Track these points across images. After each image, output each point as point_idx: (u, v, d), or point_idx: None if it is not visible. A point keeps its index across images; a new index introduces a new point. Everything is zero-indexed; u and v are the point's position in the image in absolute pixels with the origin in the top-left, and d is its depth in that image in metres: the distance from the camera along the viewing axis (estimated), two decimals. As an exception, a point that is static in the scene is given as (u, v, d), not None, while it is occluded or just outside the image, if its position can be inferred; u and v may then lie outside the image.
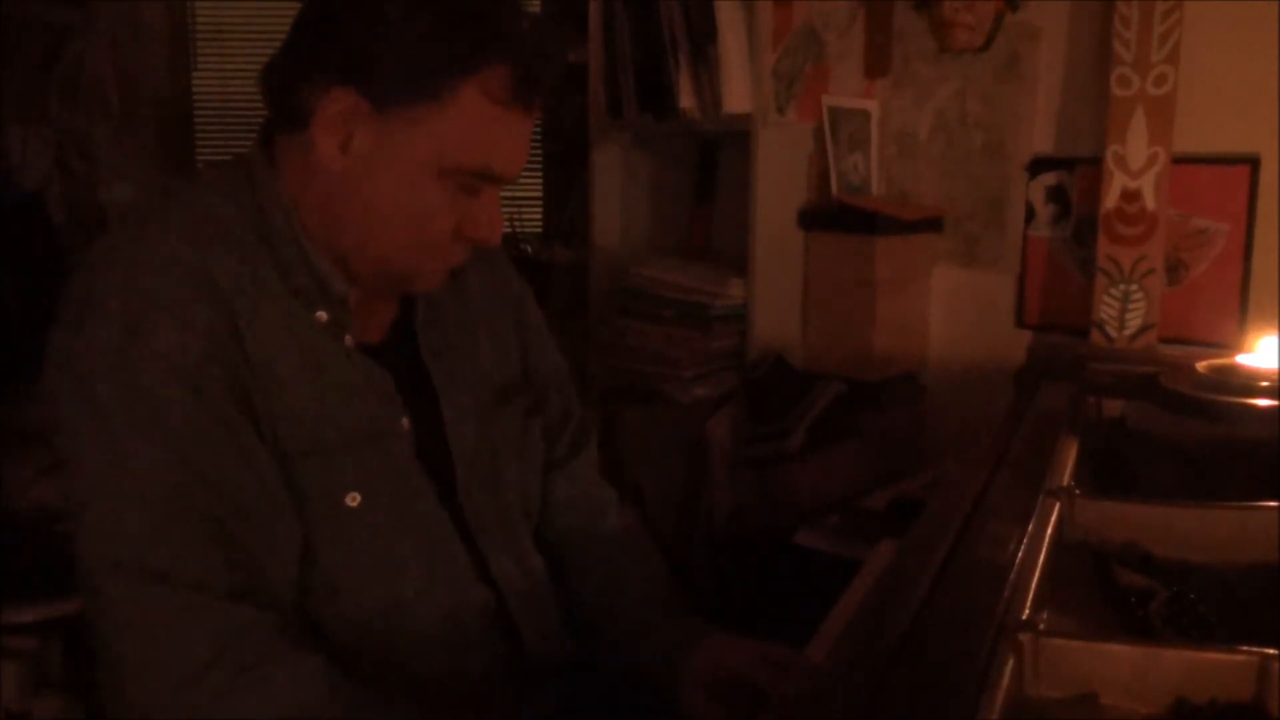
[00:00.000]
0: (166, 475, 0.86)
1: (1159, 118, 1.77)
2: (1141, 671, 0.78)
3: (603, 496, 1.25)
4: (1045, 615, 0.89)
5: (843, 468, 1.94)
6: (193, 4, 3.14)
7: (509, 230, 2.39)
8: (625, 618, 1.15)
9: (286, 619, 0.91)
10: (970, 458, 1.27)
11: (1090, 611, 0.93)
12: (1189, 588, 0.91)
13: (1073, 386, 1.54)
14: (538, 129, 2.14)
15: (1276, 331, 1.34)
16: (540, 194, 2.87)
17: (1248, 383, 1.29)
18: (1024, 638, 0.79)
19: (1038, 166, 1.98)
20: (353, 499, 0.95)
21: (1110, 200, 1.81)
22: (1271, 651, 0.75)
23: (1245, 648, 0.77)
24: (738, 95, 1.99)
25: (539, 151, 2.75)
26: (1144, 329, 1.81)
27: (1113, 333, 1.83)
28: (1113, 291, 1.82)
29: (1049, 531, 1.00)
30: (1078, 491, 1.09)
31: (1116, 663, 0.79)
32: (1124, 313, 1.82)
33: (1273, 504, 1.03)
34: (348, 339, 0.98)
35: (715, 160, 2.34)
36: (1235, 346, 1.65)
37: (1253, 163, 1.77)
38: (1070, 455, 1.23)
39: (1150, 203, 1.79)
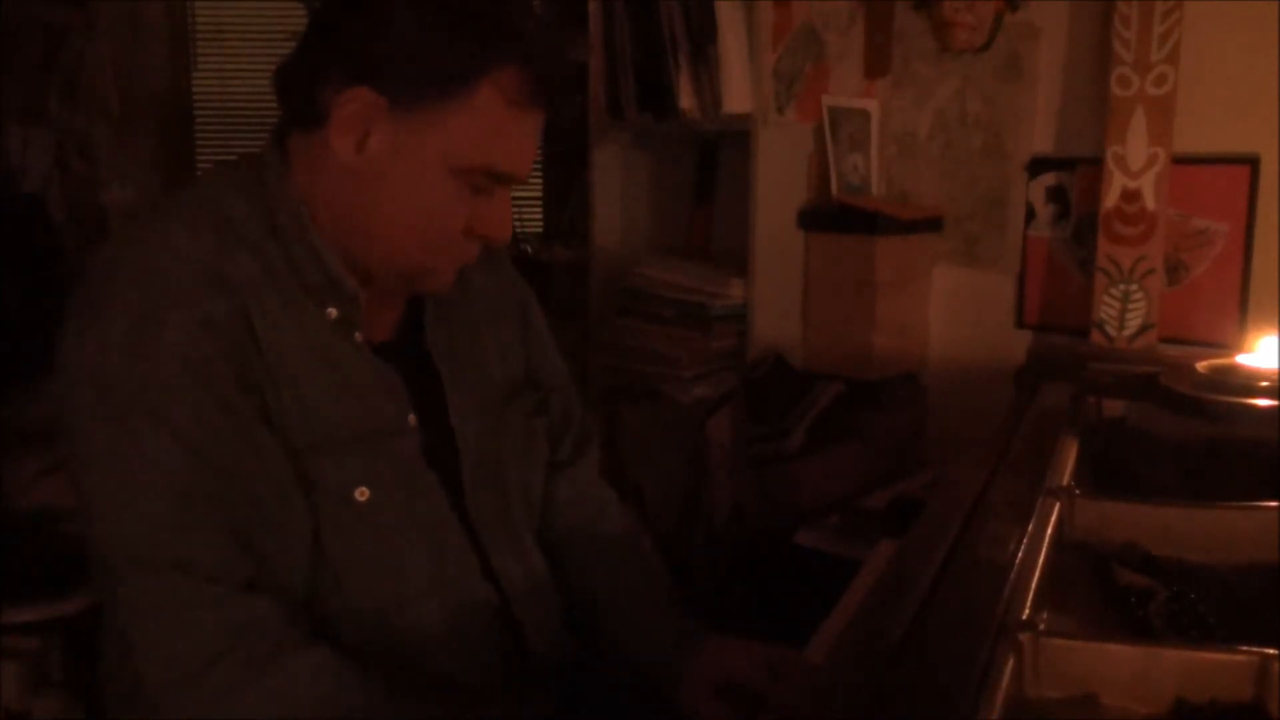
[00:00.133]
0: (179, 467, 0.87)
1: (1159, 118, 1.77)
2: (1141, 671, 0.78)
3: (603, 498, 1.25)
4: (1045, 615, 0.89)
5: (843, 468, 1.94)
6: (193, 4, 3.14)
7: (509, 230, 2.38)
8: (625, 618, 1.16)
9: (297, 611, 0.92)
10: (970, 458, 1.27)
11: (1090, 611, 0.93)
12: (1189, 588, 0.91)
13: (1073, 386, 1.54)
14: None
15: (1276, 331, 1.34)
16: (540, 194, 2.87)
17: (1248, 383, 1.29)
18: (1024, 638, 0.79)
19: (1038, 166, 1.98)
20: (361, 494, 0.96)
21: (1110, 200, 1.82)
22: (1271, 651, 0.75)
23: (1245, 648, 0.77)
24: (738, 95, 1.99)
25: (539, 151, 2.74)
26: (1144, 329, 1.81)
27: (1113, 333, 1.83)
28: (1113, 291, 1.82)
29: (1049, 531, 1.00)
30: (1078, 491, 1.09)
31: (1116, 663, 0.79)
32: (1124, 313, 1.82)
33: (1273, 504, 1.03)
34: (357, 336, 0.99)
35: (715, 160, 2.34)
36: (1235, 346, 1.66)
37: (1253, 163, 1.77)
38: (1070, 455, 1.23)
39: (1150, 203, 1.79)
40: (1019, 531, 0.98)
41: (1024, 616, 0.84)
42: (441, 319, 1.08)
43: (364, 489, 0.96)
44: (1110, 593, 0.95)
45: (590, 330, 2.31)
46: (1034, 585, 0.90)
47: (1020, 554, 0.93)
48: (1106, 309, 1.83)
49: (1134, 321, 1.81)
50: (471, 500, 1.06)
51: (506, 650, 1.06)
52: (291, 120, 0.99)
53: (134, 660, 0.87)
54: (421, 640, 0.99)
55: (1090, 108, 1.89)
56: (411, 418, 1.01)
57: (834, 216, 2.03)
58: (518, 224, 2.70)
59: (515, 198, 1.05)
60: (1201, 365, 1.36)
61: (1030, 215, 2.00)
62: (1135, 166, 1.79)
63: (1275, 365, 1.31)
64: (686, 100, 2.03)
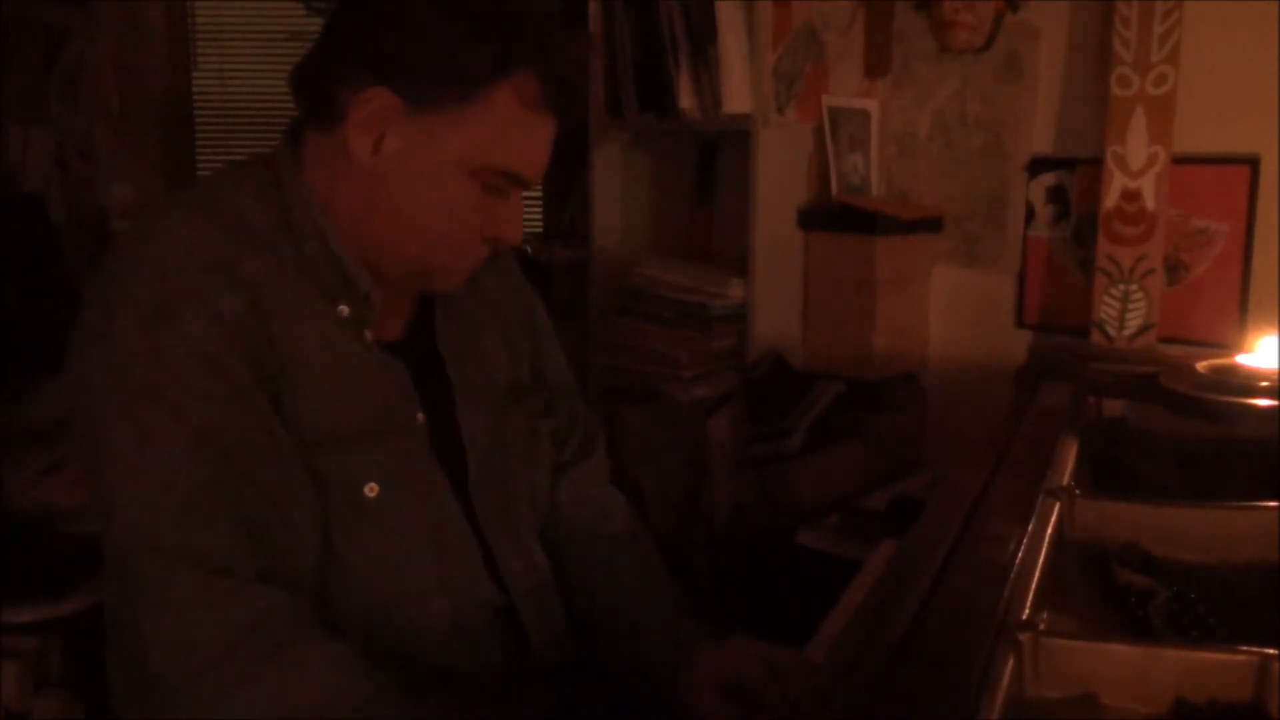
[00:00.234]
0: (195, 459, 0.88)
1: (1159, 118, 1.77)
2: (1141, 671, 0.78)
3: (607, 499, 1.26)
4: (1045, 615, 0.89)
5: (843, 468, 1.94)
6: (193, 4, 3.14)
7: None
8: (627, 618, 1.16)
9: (308, 604, 0.93)
10: (970, 458, 1.27)
11: (1090, 611, 0.93)
12: (1189, 588, 0.91)
13: (1073, 386, 1.54)
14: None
15: (1276, 331, 1.34)
16: (540, 194, 2.87)
17: (1248, 383, 1.29)
18: (1024, 638, 0.79)
19: (1038, 166, 1.98)
20: (370, 489, 0.96)
21: (1110, 200, 1.82)
22: (1271, 651, 0.75)
23: (1245, 648, 0.77)
24: (738, 95, 1.99)
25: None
26: (1144, 329, 1.81)
27: (1113, 333, 1.83)
28: (1113, 291, 1.82)
29: (1049, 531, 1.00)
30: (1078, 491, 1.09)
31: (1116, 663, 0.79)
32: (1124, 313, 1.82)
33: (1273, 504, 1.03)
34: (367, 334, 0.99)
35: (715, 160, 2.34)
36: (1235, 346, 1.66)
37: (1253, 163, 1.77)
38: (1070, 455, 1.23)
39: (1150, 203, 1.79)
40: (1019, 531, 0.98)
41: (1024, 616, 0.84)
42: (450, 319, 1.09)
43: (373, 485, 0.96)
44: (1110, 593, 0.95)
45: (590, 330, 2.30)
46: (1034, 585, 0.90)
47: (1020, 554, 0.93)
48: (1106, 309, 1.83)
49: (1134, 321, 1.81)
50: (477, 500, 1.07)
51: (509, 649, 1.07)
52: (307, 119, 1.00)
53: (147, 652, 0.87)
54: (425, 637, 1.00)
55: (1090, 108, 1.89)
56: (420, 416, 1.02)
57: (834, 216, 2.03)
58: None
59: (515, 198, 1.05)
60: (1201, 365, 1.36)
61: (1030, 215, 2.00)
62: (1135, 166, 1.79)
63: (1275, 365, 1.31)
64: (686, 100, 2.03)
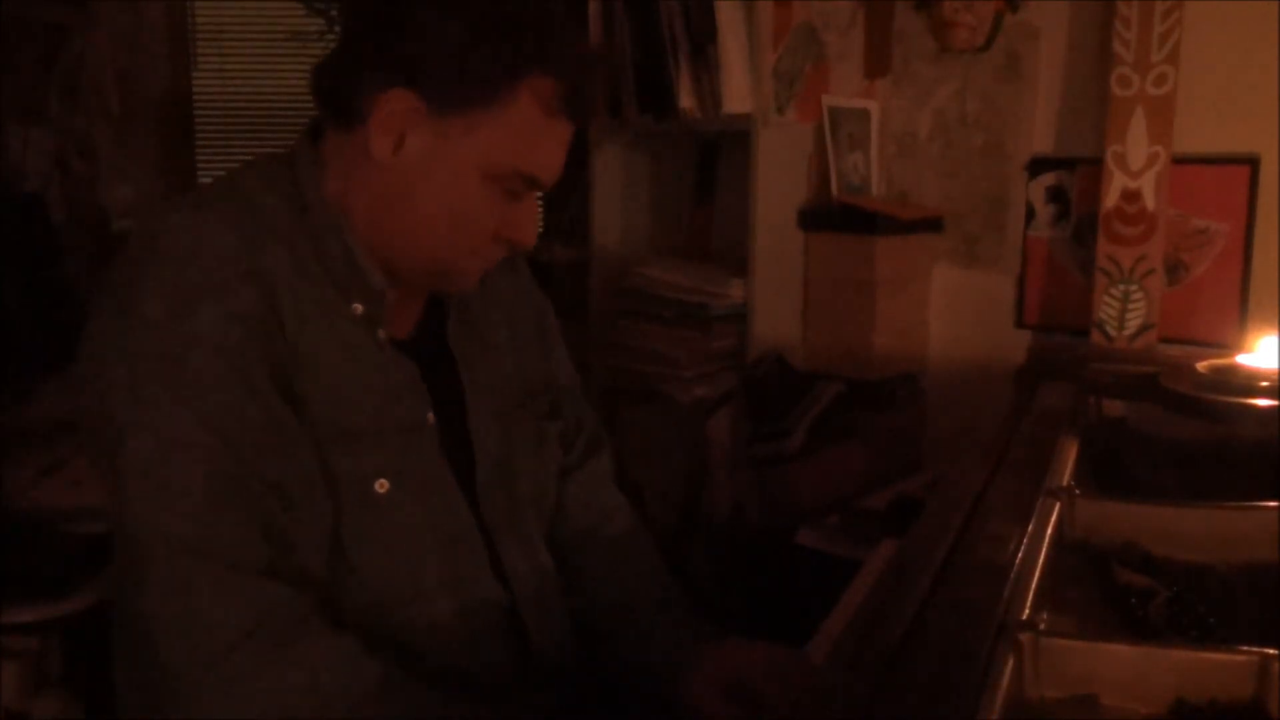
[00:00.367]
0: (207, 451, 0.88)
1: (1159, 118, 1.77)
2: (1141, 671, 0.78)
3: (611, 502, 1.26)
4: (1045, 615, 0.89)
5: (843, 468, 1.94)
6: (193, 4, 3.14)
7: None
8: (629, 619, 1.17)
9: (316, 599, 0.93)
10: (970, 458, 1.27)
11: (1090, 611, 0.93)
12: (1189, 588, 0.91)
13: (1073, 386, 1.54)
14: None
15: (1276, 331, 1.34)
16: (541, 194, 2.86)
17: (1248, 383, 1.29)
18: (1024, 638, 0.79)
19: (1038, 166, 1.98)
20: (381, 485, 0.97)
21: (1110, 200, 1.81)
22: (1271, 651, 0.76)
23: (1245, 648, 0.77)
24: (738, 95, 1.99)
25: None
26: (1144, 329, 1.81)
27: (1113, 333, 1.83)
28: (1113, 291, 1.82)
29: (1049, 531, 1.00)
30: (1078, 491, 1.09)
31: (1116, 663, 0.79)
32: (1124, 313, 1.82)
33: (1273, 504, 1.03)
34: (380, 333, 1.00)
35: (715, 160, 2.34)
36: (1235, 346, 1.66)
37: (1253, 163, 1.77)
38: (1070, 455, 1.24)
39: (1150, 203, 1.79)
40: (1019, 531, 0.98)
41: (1024, 616, 0.84)
42: (462, 320, 1.11)
43: (383, 481, 0.97)
44: (1110, 593, 0.95)
45: (590, 330, 2.30)
46: (1034, 585, 0.90)
47: (1020, 554, 0.93)
48: (1106, 309, 1.83)
49: (1134, 321, 1.81)
50: (484, 500, 1.07)
51: (512, 650, 1.07)
52: (328, 119, 1.01)
53: (154, 639, 0.87)
54: (429, 635, 1.00)
55: (1090, 108, 1.89)
56: (430, 415, 1.03)
57: (834, 216, 2.03)
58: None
59: (515, 198, 1.06)
60: (1201, 365, 1.36)
61: (1030, 215, 2.00)
62: (1135, 166, 1.79)
63: (1275, 365, 1.31)
64: (686, 100, 2.03)
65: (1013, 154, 2.00)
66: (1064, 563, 1.01)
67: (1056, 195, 1.97)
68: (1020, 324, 2.03)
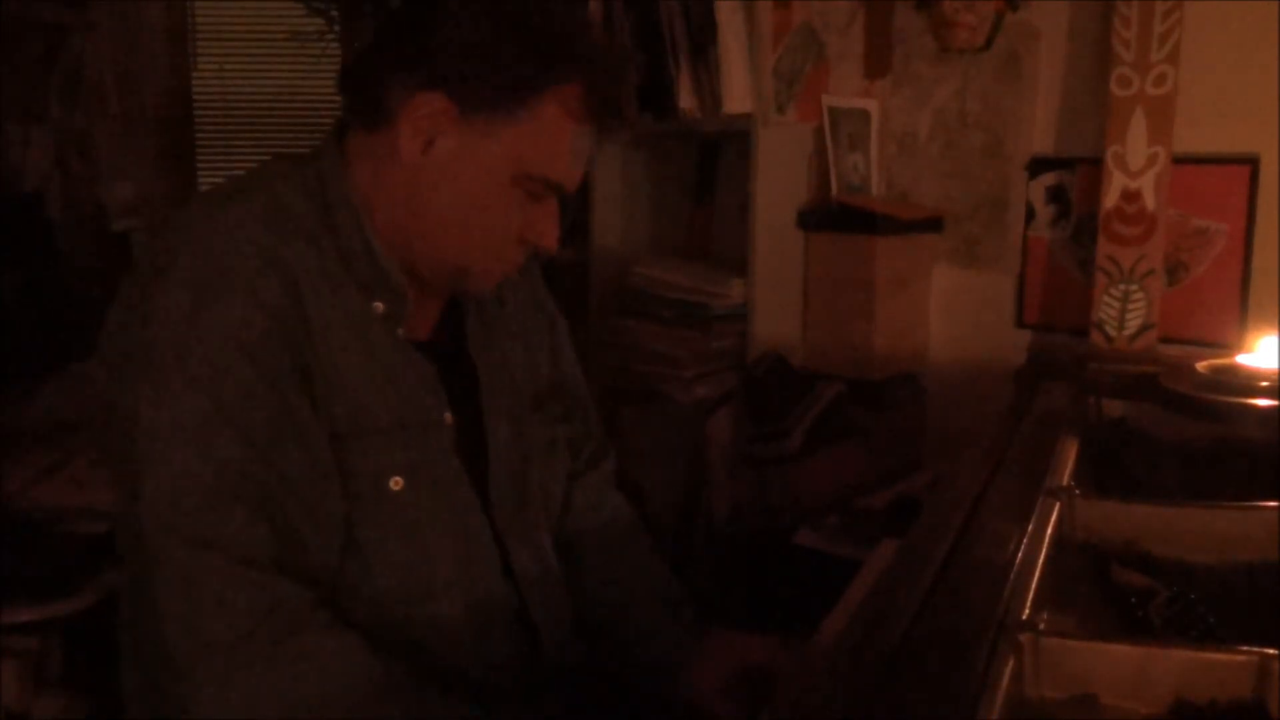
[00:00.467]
0: (223, 444, 0.88)
1: (1159, 118, 1.77)
2: (1141, 671, 0.78)
3: (613, 503, 1.28)
4: (1045, 615, 0.89)
5: (843, 468, 1.94)
6: (193, 4, 3.14)
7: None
8: (631, 620, 1.18)
9: (324, 595, 0.93)
10: (970, 458, 1.27)
11: (1090, 611, 0.93)
12: (1189, 588, 0.91)
13: (1073, 386, 1.54)
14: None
15: (1276, 331, 1.34)
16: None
17: (1248, 383, 1.29)
18: (1024, 638, 0.79)
19: (1038, 166, 1.98)
20: (395, 483, 0.98)
21: (1110, 200, 1.81)
22: (1271, 651, 0.75)
23: (1245, 648, 0.77)
24: (738, 95, 1.99)
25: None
26: (1144, 329, 1.81)
27: (1113, 333, 1.83)
28: (1113, 291, 1.82)
29: (1049, 531, 1.00)
30: (1078, 491, 1.09)
31: (1116, 663, 0.79)
32: (1124, 313, 1.82)
33: (1273, 504, 1.03)
34: (400, 331, 1.01)
35: (715, 160, 2.34)
36: (1235, 346, 1.66)
37: (1253, 163, 1.77)
38: (1070, 455, 1.23)
39: (1150, 203, 1.79)
40: (1019, 531, 0.98)
41: (1024, 616, 0.84)
42: (480, 322, 1.12)
43: (398, 478, 0.98)
44: (1110, 593, 0.95)
45: (590, 330, 2.30)
46: (1034, 585, 0.90)
47: (1020, 554, 0.93)
48: (1106, 309, 1.83)
49: (1134, 321, 1.81)
50: (495, 501, 1.08)
51: (520, 650, 1.08)
52: (354, 118, 1.02)
53: (163, 628, 0.88)
54: (439, 634, 1.01)
55: (1090, 108, 1.89)
56: (448, 415, 1.04)
57: (834, 216, 2.03)
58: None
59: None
60: (1201, 365, 1.36)
61: (1030, 215, 2.00)
62: (1135, 166, 1.79)
63: (1275, 365, 1.31)
64: (686, 100, 2.03)
65: (1013, 154, 2.00)
66: (1064, 563, 1.01)
67: (1056, 195, 1.97)
68: (1020, 324, 2.03)
